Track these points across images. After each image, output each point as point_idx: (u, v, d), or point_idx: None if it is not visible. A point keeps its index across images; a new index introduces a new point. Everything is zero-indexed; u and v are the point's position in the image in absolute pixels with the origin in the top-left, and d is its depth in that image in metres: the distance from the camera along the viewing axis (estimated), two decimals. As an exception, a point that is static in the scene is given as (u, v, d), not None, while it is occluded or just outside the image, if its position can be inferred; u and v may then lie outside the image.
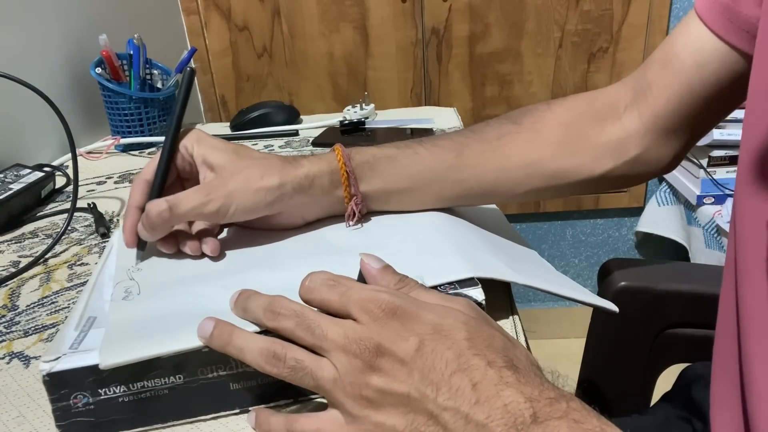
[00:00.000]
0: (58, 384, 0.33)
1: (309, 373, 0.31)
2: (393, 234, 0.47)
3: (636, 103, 0.50)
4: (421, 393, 0.29)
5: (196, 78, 1.51)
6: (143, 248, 0.46)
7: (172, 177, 0.47)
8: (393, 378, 0.30)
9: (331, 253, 0.45)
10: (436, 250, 0.43)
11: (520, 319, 0.43)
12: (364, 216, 0.49)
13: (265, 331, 0.34)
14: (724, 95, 0.46)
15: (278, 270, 0.43)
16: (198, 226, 0.48)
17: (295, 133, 0.95)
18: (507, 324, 0.42)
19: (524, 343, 0.41)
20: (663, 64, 0.48)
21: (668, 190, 1.57)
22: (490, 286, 0.39)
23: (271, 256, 0.45)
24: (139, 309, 0.39)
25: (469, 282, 0.38)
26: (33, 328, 0.46)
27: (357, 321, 0.32)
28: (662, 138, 0.49)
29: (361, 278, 0.36)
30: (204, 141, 0.46)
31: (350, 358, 0.30)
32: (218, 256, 0.46)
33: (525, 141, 0.50)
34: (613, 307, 0.43)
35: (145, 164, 0.47)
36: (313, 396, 0.36)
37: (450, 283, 0.38)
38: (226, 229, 0.50)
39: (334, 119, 0.98)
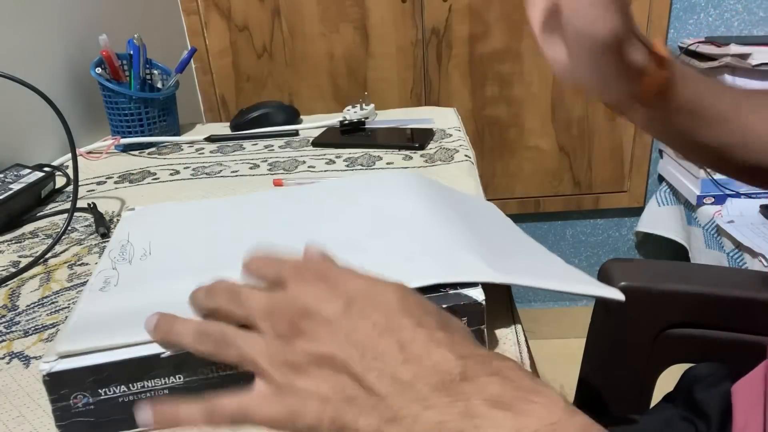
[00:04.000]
0: (58, 384, 0.33)
1: (233, 345, 0.31)
2: (395, 235, 0.47)
3: None
4: (347, 354, 0.28)
5: (196, 78, 1.51)
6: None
7: None
8: (317, 340, 0.29)
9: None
10: (409, 253, 0.42)
11: (520, 320, 0.43)
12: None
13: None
14: None
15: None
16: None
17: (295, 133, 0.95)
18: (506, 324, 0.42)
19: (524, 343, 0.41)
20: None
21: (668, 190, 1.57)
22: (490, 285, 0.39)
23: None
24: (110, 301, 0.39)
25: (468, 282, 0.38)
26: (33, 328, 0.46)
27: (286, 286, 0.32)
28: None
29: None
30: None
31: (275, 323, 0.30)
32: (205, 248, 0.46)
33: None
34: (619, 295, 0.41)
35: None
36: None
37: (450, 284, 0.38)
38: (218, 225, 0.50)
39: (334, 119, 0.98)
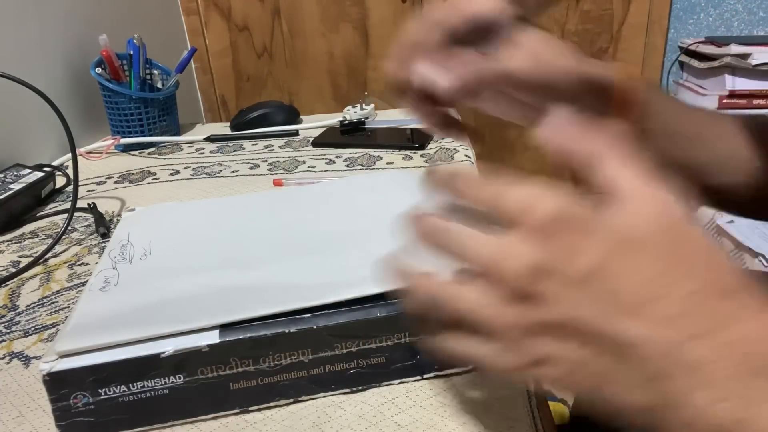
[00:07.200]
0: (58, 384, 0.33)
1: (451, 299, 0.26)
2: (392, 234, 0.46)
3: None
4: (601, 324, 0.23)
5: (196, 78, 1.51)
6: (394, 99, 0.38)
7: None
8: (563, 307, 0.23)
9: (319, 253, 0.43)
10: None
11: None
12: None
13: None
14: None
15: (251, 270, 0.42)
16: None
17: (295, 133, 0.95)
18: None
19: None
20: None
21: (668, 190, 1.57)
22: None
23: (257, 255, 0.44)
24: (110, 301, 0.39)
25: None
26: (33, 328, 0.46)
27: (514, 231, 0.25)
28: None
29: None
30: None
31: (503, 283, 0.24)
32: (205, 248, 0.45)
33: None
34: None
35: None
36: (314, 396, 0.36)
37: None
38: (219, 225, 0.50)
39: (334, 119, 0.98)
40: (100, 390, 0.33)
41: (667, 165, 0.51)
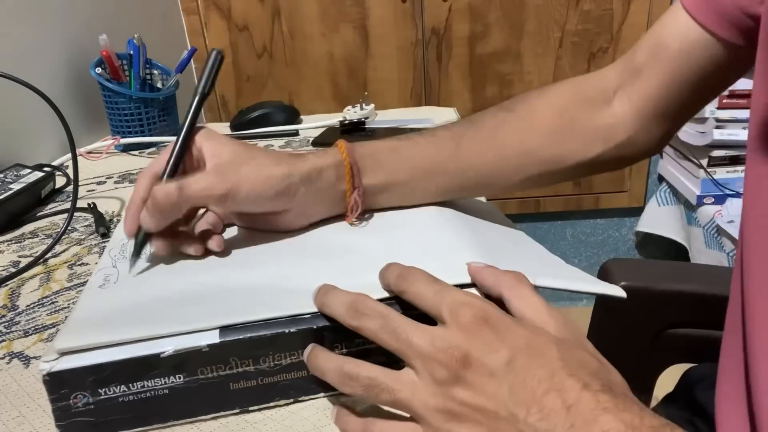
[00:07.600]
0: (58, 384, 0.33)
1: (385, 389, 0.30)
2: (393, 237, 0.47)
3: (625, 88, 0.51)
4: (510, 411, 0.28)
5: (196, 78, 1.51)
6: (137, 254, 0.43)
7: (179, 172, 0.45)
8: (480, 392, 0.29)
9: (320, 257, 0.44)
10: (437, 253, 0.43)
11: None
12: (365, 214, 0.49)
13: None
14: (709, 81, 0.48)
15: (251, 270, 0.42)
16: (201, 225, 0.47)
17: (295, 133, 0.95)
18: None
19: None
20: (651, 50, 0.50)
21: (668, 190, 1.58)
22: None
23: (258, 256, 0.45)
24: (110, 298, 0.39)
25: (470, 284, 0.38)
26: (33, 328, 0.46)
27: (446, 325, 0.30)
28: (650, 121, 0.51)
29: None
30: (213, 136, 0.46)
31: (435, 367, 0.29)
32: (203, 255, 0.45)
33: (520, 130, 0.51)
34: (621, 292, 0.42)
35: (152, 161, 0.46)
36: (314, 396, 0.36)
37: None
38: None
39: (334, 119, 0.98)
40: (100, 390, 0.33)
41: (448, 195, 0.51)
